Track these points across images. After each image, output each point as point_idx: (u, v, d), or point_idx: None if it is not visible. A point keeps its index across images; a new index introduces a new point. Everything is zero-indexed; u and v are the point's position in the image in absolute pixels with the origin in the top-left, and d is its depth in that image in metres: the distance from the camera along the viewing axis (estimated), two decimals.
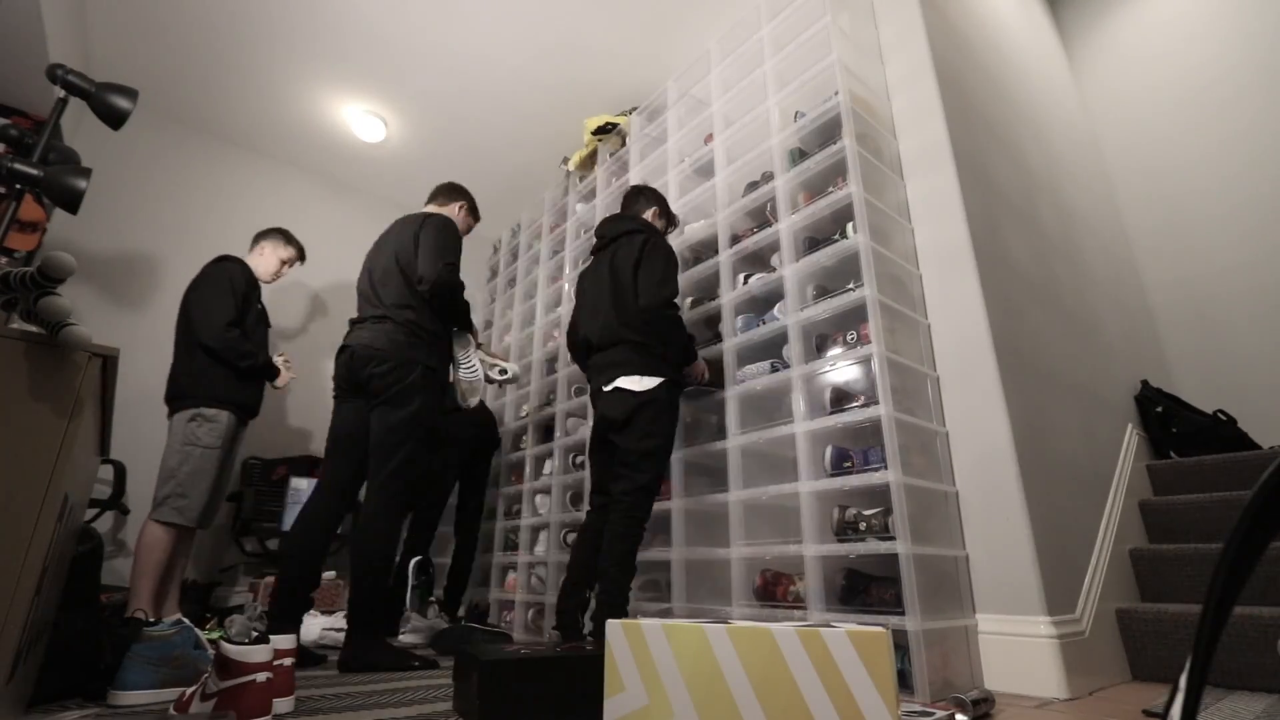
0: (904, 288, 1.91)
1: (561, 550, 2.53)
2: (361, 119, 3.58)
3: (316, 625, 2.25)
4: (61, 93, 1.77)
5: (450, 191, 2.46)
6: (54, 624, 1.30)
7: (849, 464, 1.69)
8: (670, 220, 2.32)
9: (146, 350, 2.96)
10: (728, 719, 0.80)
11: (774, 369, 1.95)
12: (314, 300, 3.91)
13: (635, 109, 3.06)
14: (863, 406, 1.70)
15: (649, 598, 2.13)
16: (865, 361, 1.73)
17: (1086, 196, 3.02)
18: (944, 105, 2.01)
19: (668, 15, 2.94)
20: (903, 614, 1.43)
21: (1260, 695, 1.43)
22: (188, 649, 1.36)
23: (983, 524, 1.62)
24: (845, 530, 1.65)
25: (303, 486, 3.02)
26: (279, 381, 2.49)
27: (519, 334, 3.42)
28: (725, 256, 2.23)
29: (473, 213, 2.52)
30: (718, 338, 2.18)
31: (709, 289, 2.37)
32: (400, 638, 2.45)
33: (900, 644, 1.39)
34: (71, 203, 1.68)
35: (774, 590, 1.75)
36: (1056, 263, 2.37)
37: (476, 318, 3.68)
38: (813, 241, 1.98)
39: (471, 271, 4.51)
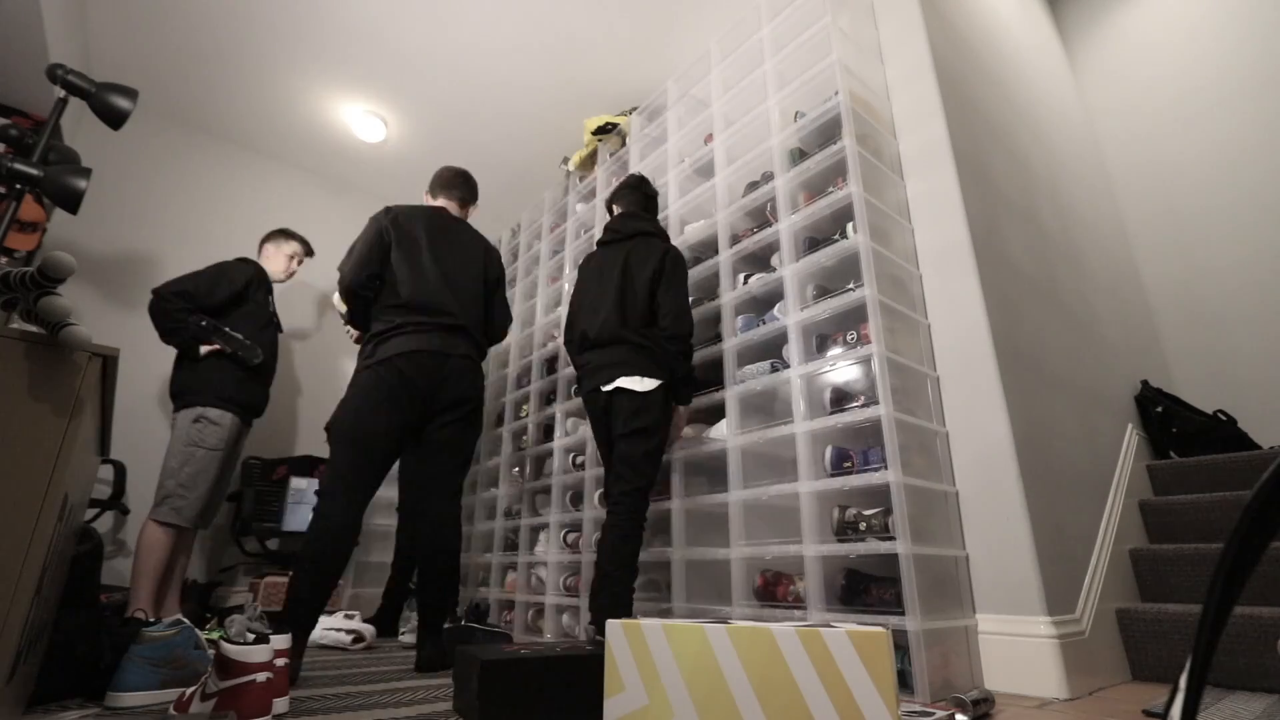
0: (904, 288, 1.91)
1: (561, 550, 2.53)
2: (361, 119, 3.58)
3: (316, 626, 2.25)
4: (61, 93, 1.77)
5: (472, 191, 2.43)
6: (54, 624, 1.29)
7: (849, 464, 1.69)
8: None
9: (146, 350, 2.96)
10: (728, 719, 0.80)
11: (774, 369, 1.95)
12: (319, 300, 3.91)
13: (635, 109, 3.05)
14: (863, 406, 1.70)
15: (649, 598, 2.13)
16: (865, 361, 1.73)
17: (1086, 195, 3.02)
18: (944, 105, 2.01)
19: (668, 15, 2.94)
20: (903, 614, 1.43)
21: (1260, 695, 1.43)
22: (187, 649, 1.36)
23: (983, 524, 1.62)
24: (845, 530, 1.65)
25: (303, 486, 3.02)
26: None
27: (519, 334, 3.42)
28: (725, 256, 2.23)
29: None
30: (718, 338, 2.18)
31: (709, 289, 2.37)
32: (400, 637, 2.45)
33: (900, 644, 1.39)
34: (71, 203, 1.68)
35: (774, 590, 1.75)
36: (1056, 262, 2.37)
37: None
38: (813, 241, 1.98)
39: None
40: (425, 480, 1.92)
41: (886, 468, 1.56)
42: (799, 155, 2.11)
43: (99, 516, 2.73)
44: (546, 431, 2.93)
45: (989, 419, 1.67)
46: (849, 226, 1.87)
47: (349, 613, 2.37)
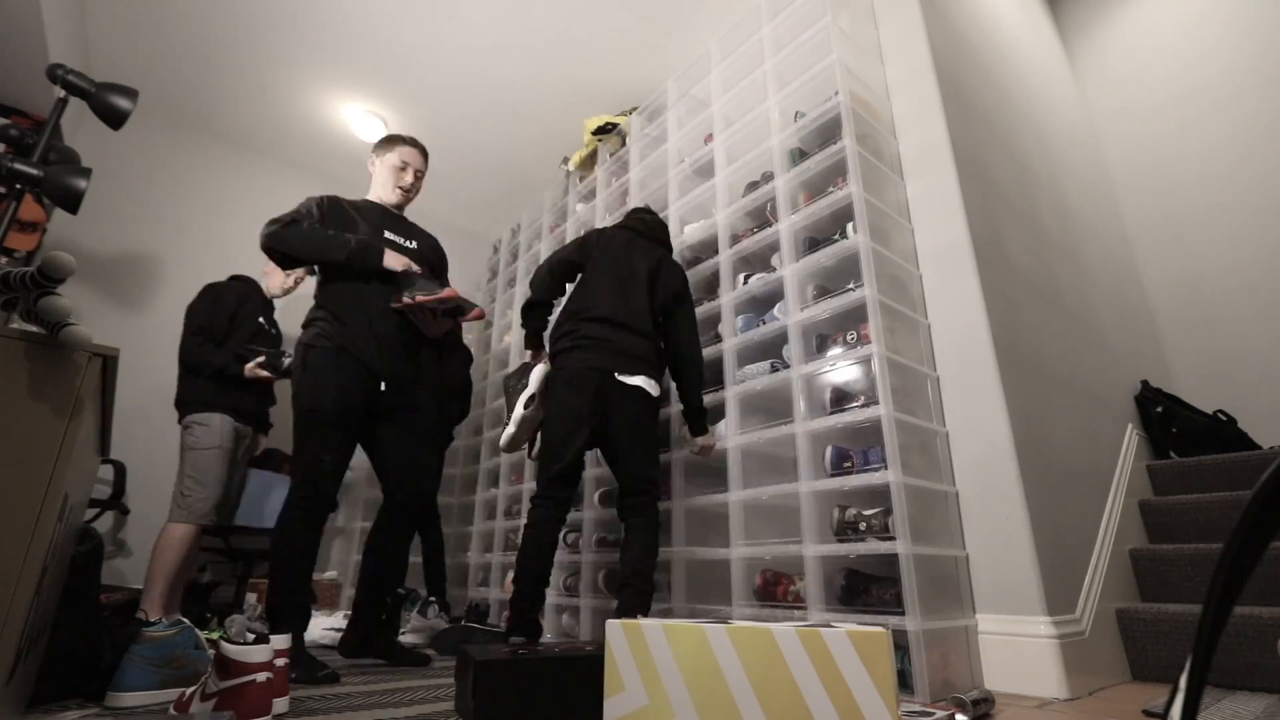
0: (904, 288, 1.91)
1: (561, 550, 2.53)
2: (361, 119, 3.58)
3: (316, 625, 2.25)
4: (61, 93, 1.77)
5: None
6: (54, 624, 1.29)
7: (849, 464, 1.69)
8: None
9: (146, 350, 2.96)
10: (728, 719, 0.80)
11: (774, 369, 1.95)
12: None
13: (635, 109, 3.05)
14: (863, 406, 1.70)
15: None
16: (865, 361, 1.73)
17: (1086, 195, 3.02)
18: (944, 105, 2.01)
19: (668, 15, 2.94)
20: (903, 614, 1.43)
21: (1260, 695, 1.43)
22: (187, 649, 1.36)
23: (983, 524, 1.62)
24: (845, 530, 1.65)
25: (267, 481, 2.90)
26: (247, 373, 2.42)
27: (519, 334, 3.42)
28: (725, 256, 2.23)
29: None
30: (718, 338, 2.18)
31: (709, 289, 2.37)
32: (401, 637, 2.45)
33: (900, 644, 1.39)
34: (71, 203, 1.68)
35: (774, 590, 1.75)
36: (1056, 262, 2.37)
37: None
38: (813, 241, 1.98)
39: (471, 272, 4.52)
40: None
41: (886, 468, 1.56)
42: (799, 155, 2.11)
43: (99, 516, 2.73)
44: None
45: (989, 419, 1.67)
46: (849, 226, 1.87)
47: (347, 613, 2.37)
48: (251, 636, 1.13)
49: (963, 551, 1.63)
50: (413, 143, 2.09)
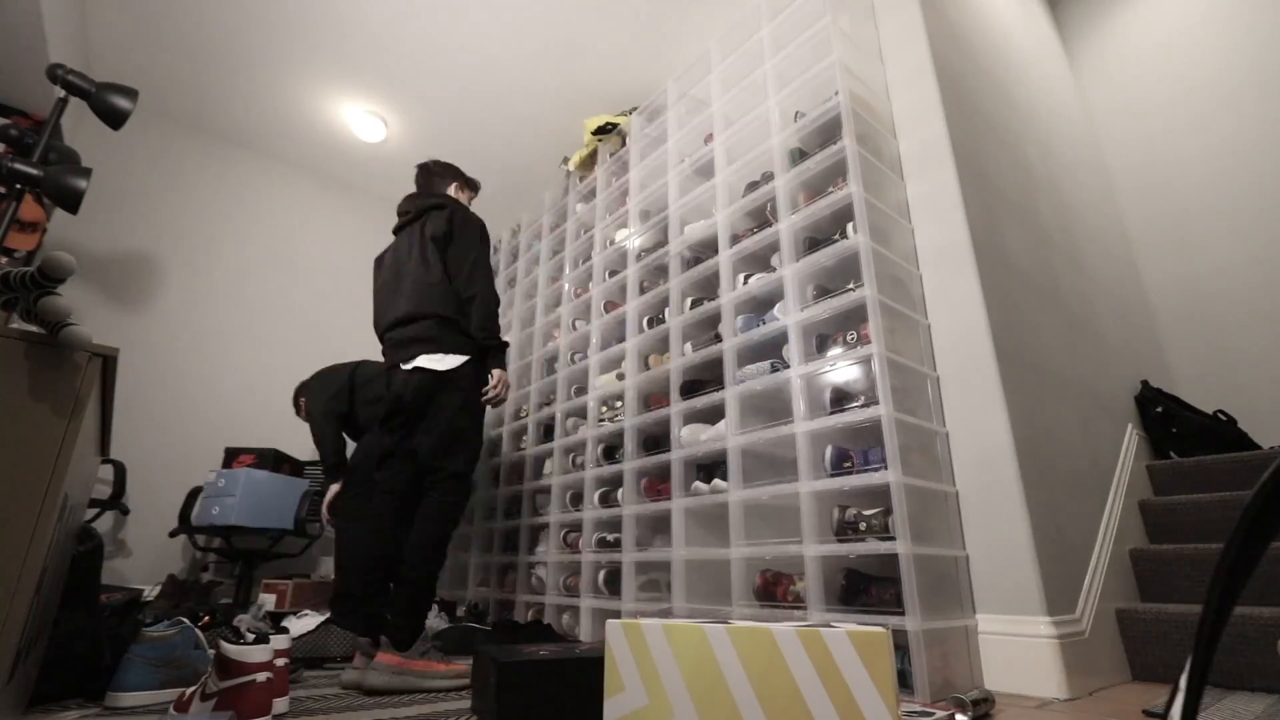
0: (904, 288, 1.91)
1: (561, 550, 2.53)
2: (361, 119, 3.58)
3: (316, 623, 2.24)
4: (61, 93, 1.77)
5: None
6: (54, 624, 1.29)
7: (849, 464, 1.69)
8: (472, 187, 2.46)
9: (146, 350, 2.96)
10: (727, 719, 0.80)
11: (774, 369, 1.95)
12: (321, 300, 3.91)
13: (635, 109, 3.05)
14: (863, 406, 1.70)
15: (649, 598, 2.13)
16: (865, 361, 1.73)
17: (1087, 195, 3.02)
18: (944, 105, 2.01)
19: (668, 15, 2.94)
20: (903, 614, 1.43)
21: (1260, 695, 1.43)
22: (187, 649, 1.36)
23: (983, 524, 1.62)
24: (845, 530, 1.65)
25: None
26: None
27: (519, 334, 3.42)
28: (725, 256, 2.23)
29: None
30: (718, 338, 2.18)
31: (709, 289, 2.37)
32: None
33: (900, 644, 1.39)
34: (71, 203, 1.68)
35: (774, 590, 1.75)
36: (1056, 262, 2.37)
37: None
38: (813, 241, 1.98)
39: None
40: None
41: (886, 468, 1.56)
42: (799, 155, 2.11)
43: (99, 516, 2.72)
44: (547, 431, 2.93)
45: (989, 419, 1.67)
46: (849, 226, 1.87)
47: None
48: (252, 636, 1.13)
49: (963, 551, 1.63)
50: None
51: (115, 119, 1.84)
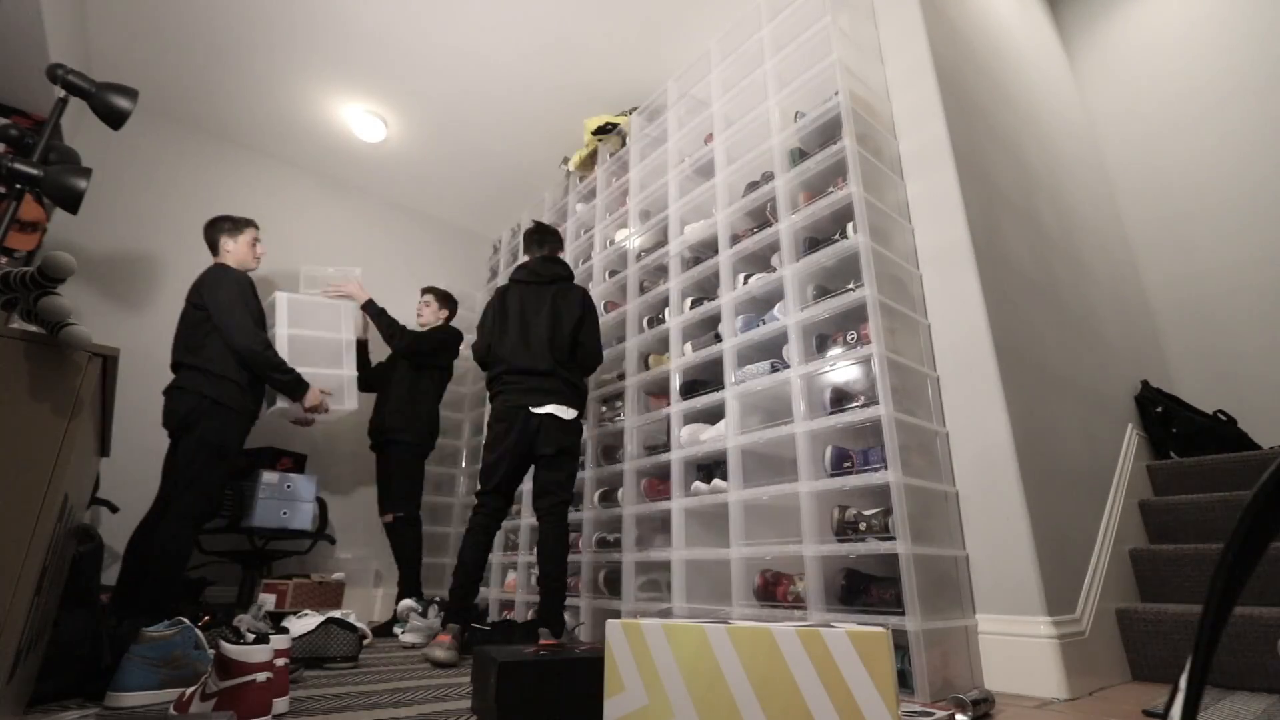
0: (904, 288, 1.91)
1: None
2: (361, 119, 3.58)
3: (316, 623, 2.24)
4: (61, 93, 1.77)
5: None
6: (54, 624, 1.29)
7: (849, 464, 1.69)
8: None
9: (147, 350, 2.96)
10: (727, 719, 0.80)
11: (774, 369, 1.95)
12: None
13: (635, 109, 3.06)
14: (863, 406, 1.70)
15: (649, 598, 2.13)
16: (865, 361, 1.73)
17: (1086, 195, 3.02)
18: (944, 105, 2.01)
19: (668, 15, 2.94)
20: (903, 614, 1.43)
21: (1260, 695, 1.43)
22: (187, 649, 1.36)
23: (983, 524, 1.62)
24: (845, 530, 1.65)
25: (274, 481, 2.93)
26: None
27: None
28: (725, 256, 2.23)
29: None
30: (718, 338, 2.18)
31: (709, 289, 2.37)
32: (401, 638, 2.45)
33: (900, 644, 1.39)
34: (71, 203, 1.68)
35: (774, 590, 1.75)
36: (1056, 262, 2.37)
37: (477, 318, 3.68)
38: (813, 241, 1.98)
39: (471, 272, 4.52)
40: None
41: (886, 468, 1.56)
42: (799, 155, 2.11)
43: (88, 509, 2.71)
44: None
45: (989, 419, 1.67)
46: (849, 226, 1.87)
47: (345, 611, 2.37)
48: (252, 636, 1.13)
49: (963, 551, 1.63)
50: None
51: (115, 119, 1.84)
